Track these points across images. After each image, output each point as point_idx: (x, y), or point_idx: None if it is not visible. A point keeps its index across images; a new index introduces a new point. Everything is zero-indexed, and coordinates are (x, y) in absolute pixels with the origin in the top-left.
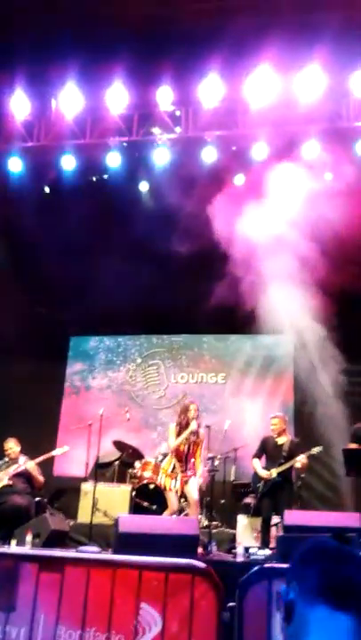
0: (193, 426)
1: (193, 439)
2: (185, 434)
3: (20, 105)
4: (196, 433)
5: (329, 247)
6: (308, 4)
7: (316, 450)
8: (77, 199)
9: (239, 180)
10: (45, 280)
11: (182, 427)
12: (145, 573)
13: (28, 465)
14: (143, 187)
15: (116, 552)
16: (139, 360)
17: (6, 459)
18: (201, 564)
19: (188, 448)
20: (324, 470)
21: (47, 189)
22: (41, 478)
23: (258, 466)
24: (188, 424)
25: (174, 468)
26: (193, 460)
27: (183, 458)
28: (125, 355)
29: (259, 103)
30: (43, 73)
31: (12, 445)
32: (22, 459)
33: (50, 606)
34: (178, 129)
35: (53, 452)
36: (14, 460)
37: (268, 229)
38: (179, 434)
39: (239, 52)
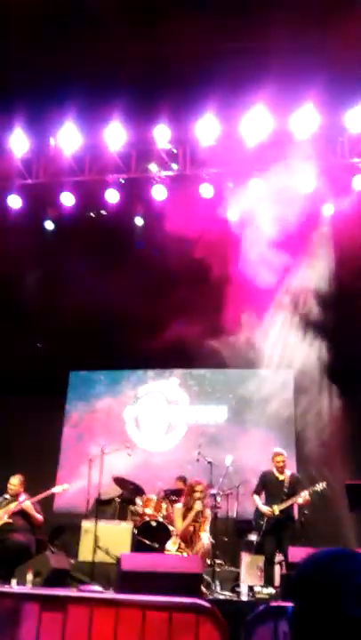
0: (198, 507)
1: (199, 518)
2: (190, 517)
3: (19, 143)
4: (201, 512)
5: (329, 280)
6: (302, 45)
7: (319, 486)
8: (76, 235)
9: (233, 215)
10: (43, 315)
11: (188, 508)
12: (148, 613)
13: (24, 505)
14: (141, 222)
15: (118, 591)
16: (139, 395)
17: (6, 495)
18: (206, 604)
19: (193, 528)
20: (327, 506)
21: (51, 225)
22: (39, 517)
23: (259, 502)
24: (193, 506)
25: (180, 547)
26: (198, 537)
27: (188, 538)
28: (125, 390)
29: (254, 141)
30: (41, 111)
31: (16, 482)
32: (22, 497)
33: None
34: (175, 166)
35: (53, 490)
36: (14, 498)
37: (267, 264)
38: (184, 515)
39: (235, 91)
